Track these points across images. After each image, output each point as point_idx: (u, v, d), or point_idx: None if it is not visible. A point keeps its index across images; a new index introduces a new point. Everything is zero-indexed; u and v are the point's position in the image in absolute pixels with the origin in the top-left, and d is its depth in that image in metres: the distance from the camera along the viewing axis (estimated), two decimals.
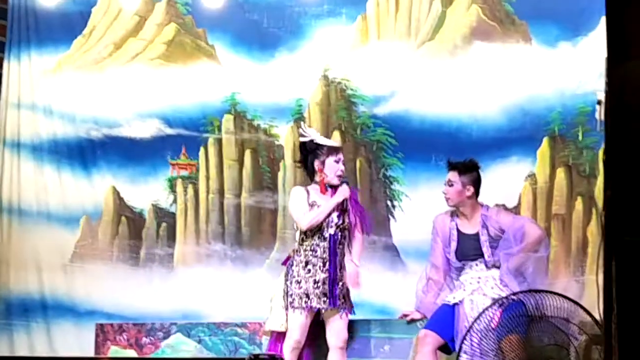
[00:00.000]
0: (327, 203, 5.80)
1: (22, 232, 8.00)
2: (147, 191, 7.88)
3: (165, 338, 7.59)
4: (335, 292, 5.78)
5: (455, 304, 5.65)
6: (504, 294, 5.53)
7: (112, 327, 7.66)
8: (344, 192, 5.83)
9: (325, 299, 5.77)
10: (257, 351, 6.97)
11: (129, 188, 7.89)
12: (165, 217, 7.86)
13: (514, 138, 7.32)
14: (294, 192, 5.96)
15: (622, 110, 2.99)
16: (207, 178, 7.83)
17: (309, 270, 5.81)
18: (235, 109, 7.80)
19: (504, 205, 7.30)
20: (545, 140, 7.29)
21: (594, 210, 7.11)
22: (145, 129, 7.88)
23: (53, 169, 7.98)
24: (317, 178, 5.88)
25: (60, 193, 7.97)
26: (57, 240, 7.92)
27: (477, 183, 5.74)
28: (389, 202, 7.49)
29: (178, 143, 7.84)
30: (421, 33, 7.62)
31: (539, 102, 7.31)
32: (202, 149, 7.83)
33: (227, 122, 7.82)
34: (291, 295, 5.81)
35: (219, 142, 7.81)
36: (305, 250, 5.85)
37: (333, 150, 5.90)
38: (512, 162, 7.32)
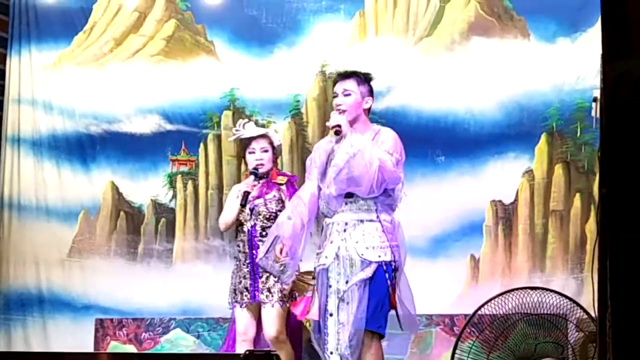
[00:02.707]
0: (235, 201, 5.80)
1: (21, 228, 7.99)
2: (146, 187, 7.86)
3: (164, 333, 7.60)
4: (257, 286, 5.72)
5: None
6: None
7: (111, 322, 7.67)
8: (242, 185, 5.81)
9: (246, 293, 5.76)
10: None
11: (128, 183, 7.88)
12: (164, 212, 7.86)
13: (512, 134, 7.32)
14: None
15: (617, 107, 3.00)
16: (207, 174, 7.82)
17: (236, 266, 5.86)
18: (234, 105, 7.79)
19: (500, 202, 7.31)
20: (543, 136, 7.29)
21: (592, 207, 7.10)
22: (145, 125, 7.88)
23: (52, 164, 7.98)
24: None
25: (59, 188, 7.97)
26: (55, 235, 7.92)
27: (373, 96, 5.24)
28: None
29: (178, 139, 7.83)
30: (419, 29, 7.62)
31: (536, 98, 7.31)
32: (201, 145, 7.83)
33: (226, 117, 7.81)
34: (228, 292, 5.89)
35: (218, 137, 7.81)
36: (236, 246, 5.93)
37: (247, 142, 5.91)
38: (510, 158, 7.31)
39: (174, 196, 7.86)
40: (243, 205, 5.73)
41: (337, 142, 5.05)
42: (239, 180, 7.68)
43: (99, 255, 7.86)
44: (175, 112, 7.86)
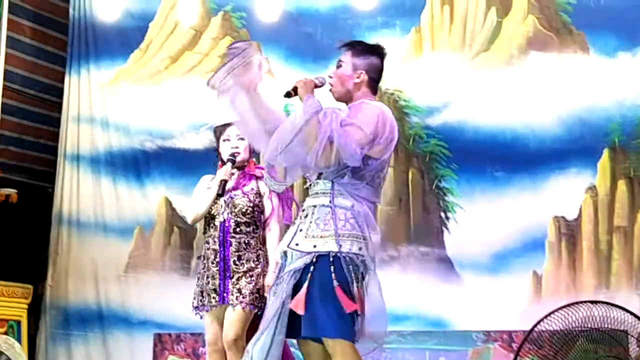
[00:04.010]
0: (208, 190, 5.17)
1: (80, 244, 8.09)
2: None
3: None
4: (227, 287, 5.05)
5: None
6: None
7: (169, 337, 7.69)
8: (220, 173, 5.14)
9: (214, 295, 5.08)
10: None
11: (181, 199, 7.86)
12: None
13: (573, 149, 7.22)
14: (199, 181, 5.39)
15: None
16: None
17: (204, 265, 5.18)
18: None
19: (563, 218, 7.19)
20: (605, 152, 7.18)
21: None
22: (199, 141, 7.92)
23: (109, 181, 8.09)
24: None
25: (116, 204, 8.07)
26: (112, 251, 8.01)
27: (374, 71, 4.34)
28: (442, 214, 7.40)
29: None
30: (476, 44, 7.57)
31: (597, 113, 7.21)
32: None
33: None
34: (193, 294, 5.23)
35: None
36: (204, 243, 5.24)
37: (222, 130, 5.30)
38: (572, 173, 7.21)
39: None
40: (220, 195, 5.09)
41: None
42: None
43: (153, 271, 7.92)
44: None
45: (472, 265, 7.22)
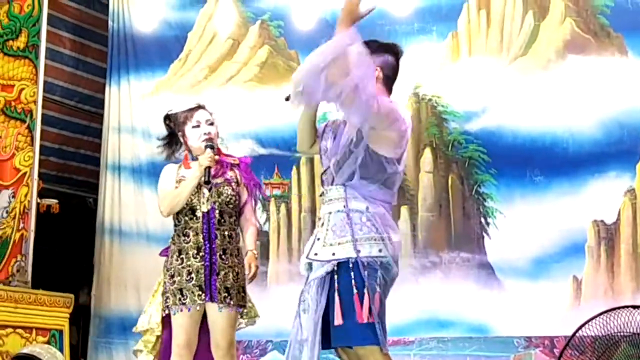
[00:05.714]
0: (187, 179, 4.80)
1: (122, 253, 8.17)
2: None
3: (261, 355, 7.63)
4: (214, 284, 4.69)
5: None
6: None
7: None
8: (204, 160, 4.74)
9: (200, 292, 4.68)
10: None
11: None
12: (258, 235, 7.91)
13: (612, 152, 7.19)
14: (162, 171, 5.00)
15: None
16: (299, 197, 7.87)
17: (182, 260, 4.77)
18: None
19: (602, 221, 7.16)
20: None
21: None
22: (239, 149, 7.93)
23: (152, 191, 8.11)
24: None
25: (158, 213, 8.09)
26: (154, 259, 8.01)
27: (389, 69, 4.30)
28: (482, 220, 7.40)
29: (271, 163, 7.90)
30: (513, 48, 7.56)
31: (636, 116, 7.18)
32: (294, 168, 7.88)
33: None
34: (166, 292, 4.82)
35: (311, 161, 7.82)
36: (178, 235, 4.86)
37: (189, 115, 5.01)
38: (610, 177, 7.19)
39: (268, 219, 7.91)
40: (207, 182, 4.73)
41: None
42: None
43: None
44: (269, 137, 7.93)
45: (513, 270, 7.21)
